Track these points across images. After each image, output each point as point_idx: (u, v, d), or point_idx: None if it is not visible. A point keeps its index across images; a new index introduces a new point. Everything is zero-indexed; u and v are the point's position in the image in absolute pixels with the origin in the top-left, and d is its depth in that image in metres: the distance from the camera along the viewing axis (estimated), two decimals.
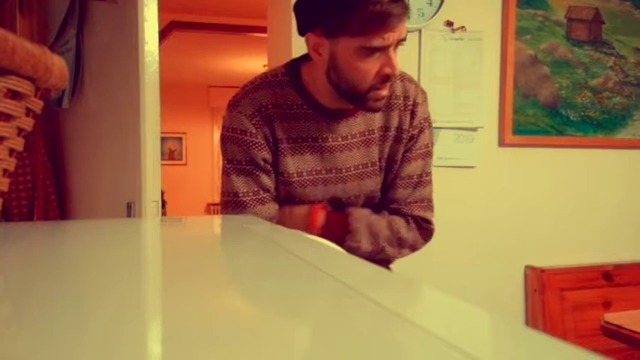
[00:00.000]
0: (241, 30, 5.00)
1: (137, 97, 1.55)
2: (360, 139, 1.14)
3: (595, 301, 2.32)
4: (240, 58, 6.46)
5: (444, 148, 2.17)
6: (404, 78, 1.18)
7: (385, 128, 1.16)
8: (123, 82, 1.67)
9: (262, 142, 1.10)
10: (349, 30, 0.99)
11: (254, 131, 1.09)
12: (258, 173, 1.11)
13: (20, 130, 0.55)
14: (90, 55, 1.96)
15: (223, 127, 1.13)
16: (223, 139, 1.13)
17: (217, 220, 1.08)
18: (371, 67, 1.02)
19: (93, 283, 0.41)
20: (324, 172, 1.14)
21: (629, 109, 2.47)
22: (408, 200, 1.18)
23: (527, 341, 0.27)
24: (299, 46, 1.71)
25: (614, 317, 1.39)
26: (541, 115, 2.33)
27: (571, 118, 2.37)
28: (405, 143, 1.16)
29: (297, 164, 1.12)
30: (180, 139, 8.38)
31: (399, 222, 1.18)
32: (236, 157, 1.11)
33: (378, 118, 1.15)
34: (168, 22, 4.87)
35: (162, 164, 1.64)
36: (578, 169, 2.42)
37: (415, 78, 2.14)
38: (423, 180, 1.19)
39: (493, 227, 2.31)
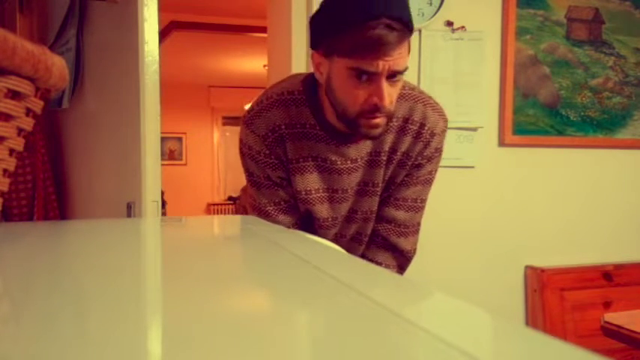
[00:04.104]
0: (241, 30, 5.00)
1: (137, 97, 1.55)
2: (367, 159, 1.13)
3: (595, 301, 2.32)
4: (240, 58, 6.46)
5: (444, 148, 2.17)
6: (427, 103, 1.13)
7: (392, 151, 1.13)
8: (123, 82, 1.67)
9: (276, 161, 1.13)
10: (342, 50, 0.97)
11: (267, 152, 1.12)
12: (275, 187, 1.16)
13: (20, 130, 0.55)
14: (90, 55, 1.96)
15: (240, 140, 1.17)
16: (241, 153, 1.17)
17: (217, 220, 1.09)
18: (360, 92, 0.98)
19: (93, 283, 0.41)
20: (330, 191, 1.16)
21: (629, 109, 2.47)
22: (398, 223, 1.19)
23: (527, 341, 0.27)
24: (299, 46, 1.72)
25: (614, 317, 1.39)
26: (541, 115, 2.33)
27: (571, 118, 2.37)
28: (408, 168, 1.15)
29: (306, 182, 1.14)
30: (180, 139, 8.38)
31: (386, 263, 1.21)
32: (254, 172, 1.16)
33: (388, 141, 1.12)
34: (168, 22, 4.87)
35: (162, 164, 1.64)
36: (578, 169, 2.42)
37: (415, 78, 2.15)
38: (417, 205, 1.19)
39: (493, 227, 2.31)
